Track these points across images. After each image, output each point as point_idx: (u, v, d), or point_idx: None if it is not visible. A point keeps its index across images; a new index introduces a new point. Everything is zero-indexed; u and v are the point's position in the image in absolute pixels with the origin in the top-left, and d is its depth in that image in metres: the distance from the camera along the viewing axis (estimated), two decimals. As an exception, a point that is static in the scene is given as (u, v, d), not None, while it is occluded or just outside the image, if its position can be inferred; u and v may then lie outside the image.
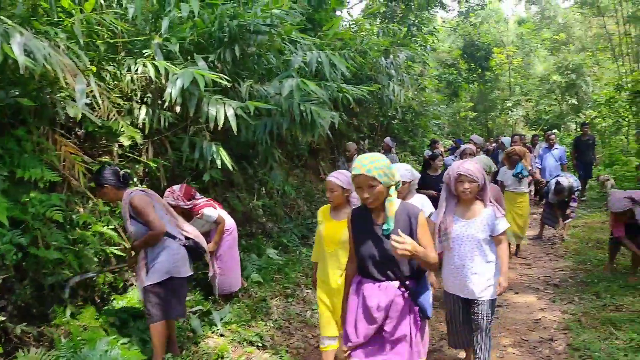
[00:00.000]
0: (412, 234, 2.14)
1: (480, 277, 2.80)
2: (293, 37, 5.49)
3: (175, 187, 4.11)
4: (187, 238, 3.42)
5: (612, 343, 3.48)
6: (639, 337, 3.42)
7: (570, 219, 6.75)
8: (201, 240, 3.56)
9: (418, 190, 4.01)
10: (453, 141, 15.24)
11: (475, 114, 27.64)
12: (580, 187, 7.14)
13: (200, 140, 4.63)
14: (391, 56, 8.60)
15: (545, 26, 25.81)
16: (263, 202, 6.83)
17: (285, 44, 5.33)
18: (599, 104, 15.00)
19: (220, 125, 4.11)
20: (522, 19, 28.34)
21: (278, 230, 6.73)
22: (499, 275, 2.85)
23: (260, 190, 6.88)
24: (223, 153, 4.50)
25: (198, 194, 4.26)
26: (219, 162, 4.48)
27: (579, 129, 15.61)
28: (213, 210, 4.23)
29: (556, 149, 9.02)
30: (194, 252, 3.47)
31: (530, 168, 6.29)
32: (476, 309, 2.85)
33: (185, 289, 3.49)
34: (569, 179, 6.33)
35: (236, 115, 4.19)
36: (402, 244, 1.92)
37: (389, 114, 11.28)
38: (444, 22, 23.15)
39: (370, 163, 2.06)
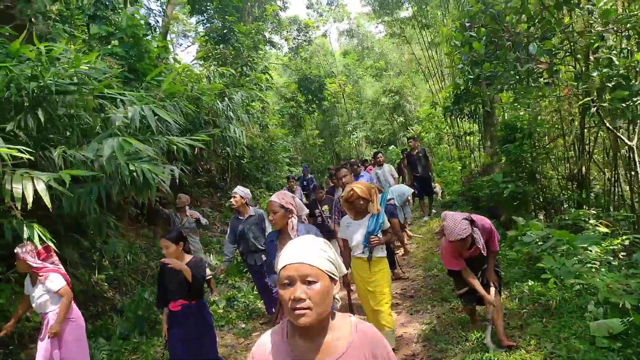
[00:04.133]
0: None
1: None
2: (112, 92, 5.09)
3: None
4: None
5: (463, 346, 3.78)
6: (483, 334, 3.77)
7: (408, 225, 7.39)
8: None
9: None
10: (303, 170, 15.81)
11: (322, 139, 29.28)
12: (409, 193, 7.67)
13: (9, 220, 3.96)
14: (226, 99, 8.57)
15: (366, 55, 28.66)
16: (107, 274, 6.11)
17: (103, 101, 4.90)
18: (421, 120, 16.99)
19: (30, 203, 3.55)
20: (347, 51, 31.06)
21: (130, 302, 6.05)
22: None
23: (101, 262, 6.15)
24: (39, 231, 3.88)
25: (55, 259, 3.91)
26: (36, 241, 3.86)
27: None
28: (60, 280, 3.77)
29: (384, 166, 9.48)
30: None
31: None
32: None
33: None
34: (398, 189, 7.06)
35: (50, 187, 3.67)
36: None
37: (237, 154, 11.22)
38: (277, 58, 24.22)
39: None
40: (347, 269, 3.94)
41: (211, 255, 8.12)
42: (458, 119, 12.51)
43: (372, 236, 3.76)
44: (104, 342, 4.92)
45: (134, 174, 4.36)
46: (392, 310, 5.13)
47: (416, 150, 10.18)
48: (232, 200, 5.45)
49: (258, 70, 12.50)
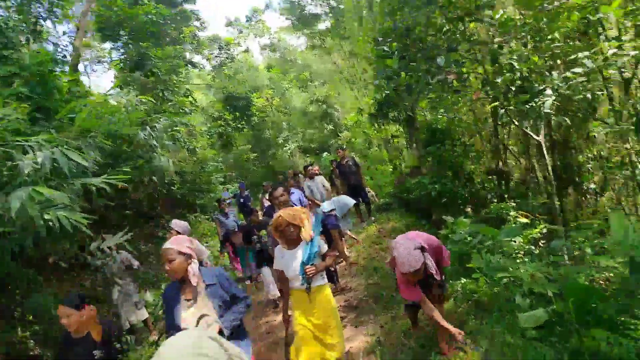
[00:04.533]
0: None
1: None
2: (18, 139, 4.72)
3: None
4: None
5: (406, 355, 3.87)
6: (427, 341, 3.89)
7: (347, 234, 7.49)
8: None
9: None
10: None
11: (255, 154, 29.08)
12: (351, 204, 7.73)
13: None
14: (148, 127, 8.25)
15: (290, 68, 28.92)
16: (32, 331, 5.64)
17: (8, 150, 4.53)
18: (349, 127, 17.38)
19: None
20: (270, 65, 31.16)
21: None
22: None
23: (26, 317, 5.67)
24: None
25: None
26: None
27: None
28: None
29: (316, 179, 9.40)
30: None
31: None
32: None
33: None
34: (339, 200, 7.08)
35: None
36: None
37: (166, 181, 10.84)
38: (200, 77, 23.78)
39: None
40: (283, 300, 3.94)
41: (148, 292, 7.76)
42: (384, 123, 12.96)
43: (308, 266, 3.47)
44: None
45: (50, 223, 4.07)
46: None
47: (345, 159, 10.00)
48: (168, 235, 5.10)
49: (180, 94, 12.19)
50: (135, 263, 6.26)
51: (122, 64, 12.42)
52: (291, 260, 3.53)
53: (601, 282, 4.07)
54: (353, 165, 9.91)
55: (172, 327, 2.84)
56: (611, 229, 2.63)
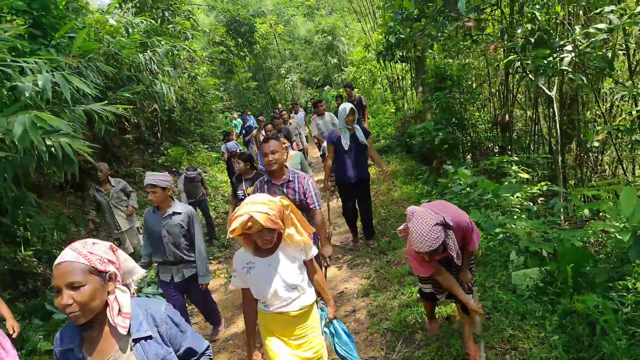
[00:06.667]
0: None
1: None
2: (17, 60, 4.54)
3: None
4: None
5: (400, 301, 4.03)
6: (415, 289, 4.03)
7: None
8: None
9: None
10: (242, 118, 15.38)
11: (256, 82, 28.46)
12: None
13: None
14: (149, 51, 7.96)
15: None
16: (35, 250, 5.79)
17: (6, 70, 4.37)
18: (354, 63, 16.86)
19: None
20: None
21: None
22: None
23: (28, 237, 5.80)
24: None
25: None
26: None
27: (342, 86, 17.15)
28: None
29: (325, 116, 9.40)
30: None
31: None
32: None
33: None
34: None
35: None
36: None
37: (166, 108, 10.65)
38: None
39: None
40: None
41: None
42: (391, 62, 12.56)
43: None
44: (39, 322, 4.73)
45: (52, 149, 4.04)
46: (333, 266, 5.33)
47: (352, 98, 9.88)
48: (150, 196, 3.70)
49: (181, 15, 11.63)
50: (130, 190, 6.26)
51: (120, -21, 11.70)
52: (265, 275, 2.32)
53: (595, 246, 4.17)
54: (359, 105, 9.66)
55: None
56: (620, 201, 2.64)
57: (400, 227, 2.79)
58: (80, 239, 1.58)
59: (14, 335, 3.15)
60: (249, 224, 2.11)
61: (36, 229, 5.36)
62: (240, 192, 5.06)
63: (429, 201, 3.91)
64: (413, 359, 3.23)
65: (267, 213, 2.12)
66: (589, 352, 2.69)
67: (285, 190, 3.37)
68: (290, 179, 3.39)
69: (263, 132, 9.02)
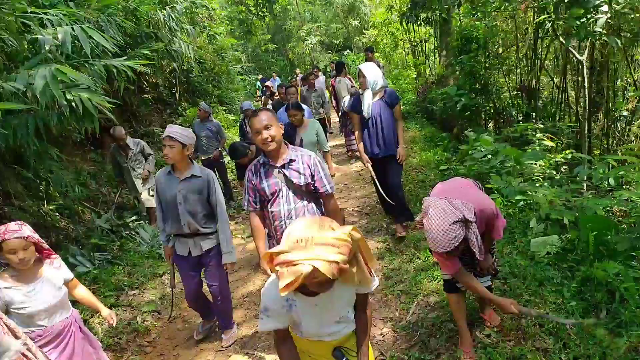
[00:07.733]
0: None
1: None
2: (37, 11, 4.50)
3: None
4: None
5: (415, 264, 4.03)
6: (430, 255, 4.01)
7: None
8: None
9: None
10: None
11: (275, 45, 28.00)
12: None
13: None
14: (167, 8, 7.83)
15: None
16: (57, 205, 5.92)
17: (26, 21, 4.34)
18: (376, 25, 16.39)
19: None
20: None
21: (86, 231, 5.95)
22: None
23: (50, 193, 5.92)
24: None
25: None
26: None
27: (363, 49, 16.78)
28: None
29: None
30: None
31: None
32: None
33: None
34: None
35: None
36: None
37: (184, 67, 10.57)
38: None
39: None
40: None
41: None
42: (414, 25, 12.18)
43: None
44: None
45: (72, 103, 4.04)
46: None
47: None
48: (165, 150, 3.19)
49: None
50: (148, 151, 6.39)
51: None
52: (310, 312, 1.75)
53: (618, 216, 4.07)
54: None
55: None
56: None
57: (418, 218, 2.54)
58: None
59: (113, 324, 2.86)
60: (313, 275, 1.42)
61: (58, 183, 5.45)
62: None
63: (446, 179, 3.66)
64: (427, 320, 3.24)
65: (336, 262, 1.42)
66: (606, 318, 2.67)
67: (287, 173, 2.69)
68: (293, 157, 2.70)
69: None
